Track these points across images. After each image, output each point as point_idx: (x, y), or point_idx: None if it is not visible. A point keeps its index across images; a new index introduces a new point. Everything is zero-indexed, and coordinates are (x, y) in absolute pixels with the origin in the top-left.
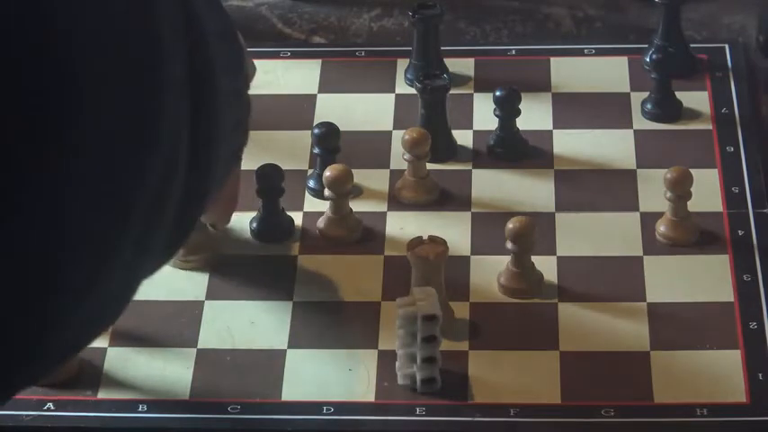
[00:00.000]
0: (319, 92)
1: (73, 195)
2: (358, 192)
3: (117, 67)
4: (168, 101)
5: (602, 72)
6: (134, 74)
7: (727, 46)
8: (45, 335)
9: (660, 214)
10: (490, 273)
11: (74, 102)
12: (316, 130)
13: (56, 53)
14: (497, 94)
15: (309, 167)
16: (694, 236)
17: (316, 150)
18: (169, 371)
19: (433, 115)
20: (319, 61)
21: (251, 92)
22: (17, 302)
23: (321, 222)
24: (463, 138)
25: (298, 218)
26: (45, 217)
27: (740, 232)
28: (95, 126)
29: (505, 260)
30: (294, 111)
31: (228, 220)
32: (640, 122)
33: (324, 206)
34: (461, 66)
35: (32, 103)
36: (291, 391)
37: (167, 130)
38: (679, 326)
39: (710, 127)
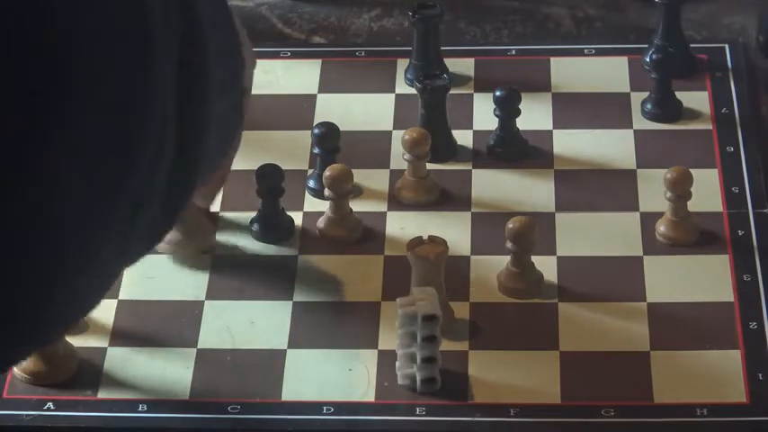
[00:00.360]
0: (319, 92)
1: (69, 194)
2: (358, 192)
3: (113, 67)
4: (158, 98)
5: (602, 72)
6: (128, 73)
7: (727, 46)
8: (38, 318)
9: (660, 214)
10: (490, 273)
11: (73, 102)
12: (316, 130)
13: (55, 53)
14: (497, 94)
15: (309, 167)
16: (694, 236)
17: (316, 150)
18: (169, 371)
19: (433, 115)
20: (319, 61)
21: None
22: (11, 293)
23: (321, 222)
24: (463, 138)
25: (298, 218)
26: (43, 215)
27: (740, 232)
28: (93, 126)
29: (505, 260)
30: (294, 111)
31: (212, 201)
32: (640, 122)
33: (324, 206)
34: (461, 66)
35: (32, 104)
36: (291, 391)
37: (156, 128)
38: (679, 326)
39: (710, 127)
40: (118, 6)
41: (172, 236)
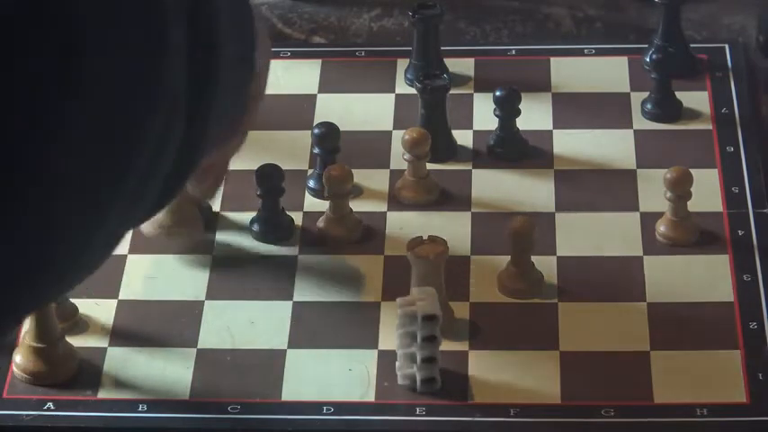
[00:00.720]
0: (319, 92)
1: (68, 194)
2: (358, 192)
3: (114, 68)
4: (162, 99)
5: (602, 72)
6: (131, 74)
7: (727, 46)
8: (25, 303)
9: (660, 214)
10: (490, 273)
11: (73, 102)
12: (316, 130)
13: (56, 53)
14: (497, 94)
15: (309, 167)
16: (694, 236)
17: (316, 150)
18: (169, 371)
19: (433, 115)
20: (319, 61)
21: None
22: (5, 289)
23: (321, 222)
24: (463, 138)
25: (298, 218)
26: (42, 215)
27: (740, 232)
28: (93, 126)
29: (505, 260)
30: (294, 111)
31: (215, 192)
32: (640, 122)
33: (324, 206)
34: (461, 66)
35: (32, 104)
36: (291, 391)
37: (158, 129)
38: (679, 326)
39: (710, 127)
40: (123, 5)
41: (162, 220)
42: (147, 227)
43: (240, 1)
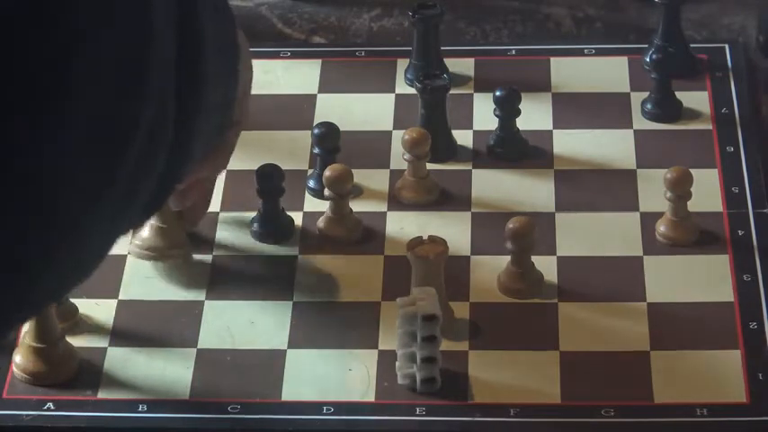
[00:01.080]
0: (319, 92)
1: (68, 193)
2: (358, 192)
3: (113, 70)
4: (156, 99)
5: (602, 72)
6: (128, 76)
7: (727, 46)
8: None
9: (660, 214)
10: (490, 273)
11: (73, 102)
12: (316, 130)
13: (56, 55)
14: (497, 94)
15: (309, 167)
16: (694, 236)
17: (316, 150)
18: (169, 371)
19: (433, 115)
20: (319, 61)
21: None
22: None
23: (321, 222)
24: (463, 138)
25: (298, 218)
26: (42, 215)
27: (740, 232)
28: (92, 126)
29: (505, 260)
30: (294, 111)
31: (201, 215)
32: (640, 122)
33: (324, 206)
34: (461, 66)
35: (32, 104)
36: (291, 391)
37: (154, 108)
38: (679, 326)
39: (710, 127)
40: (120, 6)
41: (151, 242)
42: (137, 250)
43: (223, 19)
